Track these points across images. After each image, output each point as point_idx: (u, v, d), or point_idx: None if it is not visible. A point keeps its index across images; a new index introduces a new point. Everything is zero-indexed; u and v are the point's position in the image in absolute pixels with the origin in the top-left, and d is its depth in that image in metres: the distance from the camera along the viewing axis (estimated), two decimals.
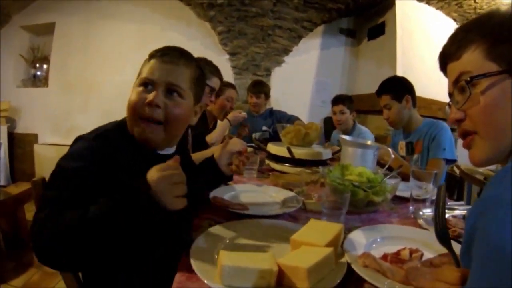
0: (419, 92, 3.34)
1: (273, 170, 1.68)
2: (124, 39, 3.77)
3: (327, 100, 4.05)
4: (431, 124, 1.81)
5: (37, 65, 4.11)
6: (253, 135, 2.92)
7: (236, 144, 1.39)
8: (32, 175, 3.74)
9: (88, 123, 3.70)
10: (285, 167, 1.61)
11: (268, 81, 3.80)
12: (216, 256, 0.68)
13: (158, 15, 3.72)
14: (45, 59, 4.08)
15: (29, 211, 2.75)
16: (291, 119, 2.86)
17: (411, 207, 1.15)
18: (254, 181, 1.46)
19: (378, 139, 3.02)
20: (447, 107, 0.64)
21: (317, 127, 1.80)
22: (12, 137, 3.89)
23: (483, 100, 0.53)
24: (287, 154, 1.58)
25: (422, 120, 1.87)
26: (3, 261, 2.23)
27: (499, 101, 0.52)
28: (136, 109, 0.78)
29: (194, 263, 0.63)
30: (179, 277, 0.64)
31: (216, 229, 0.82)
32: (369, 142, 1.45)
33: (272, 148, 1.70)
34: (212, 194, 1.08)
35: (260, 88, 2.93)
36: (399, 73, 3.40)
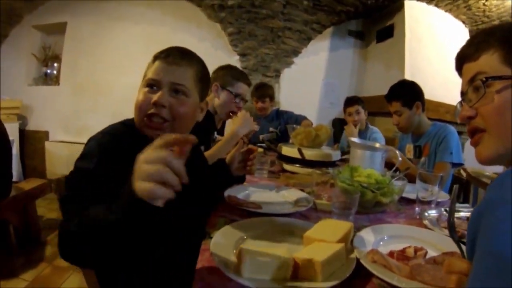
0: (427, 94, 3.34)
1: (284, 170, 1.74)
2: (134, 41, 3.82)
3: (335, 101, 4.10)
4: (438, 128, 1.84)
5: (49, 64, 4.18)
6: (261, 137, 2.97)
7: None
8: (43, 171, 3.84)
9: (97, 123, 3.75)
10: (296, 168, 1.66)
11: (278, 82, 3.85)
12: (234, 251, 0.73)
13: (168, 16, 3.77)
14: (56, 58, 4.14)
15: (40, 206, 2.83)
16: (299, 119, 2.90)
17: (417, 208, 1.19)
18: (266, 181, 1.51)
19: (386, 141, 3.05)
20: (458, 105, 0.68)
21: (327, 129, 1.84)
22: (24, 134, 3.96)
23: (496, 100, 0.56)
24: (297, 155, 1.63)
25: (430, 124, 1.90)
26: (14, 256, 2.27)
27: (510, 103, 0.55)
28: (143, 109, 0.82)
29: (215, 258, 0.68)
30: (200, 271, 0.69)
31: (233, 226, 0.87)
32: (377, 145, 1.49)
33: (283, 149, 1.76)
34: (227, 193, 1.13)
35: (264, 91, 2.96)
36: (407, 75, 3.42)
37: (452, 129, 1.79)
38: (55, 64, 4.18)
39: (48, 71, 4.20)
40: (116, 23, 3.86)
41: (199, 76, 0.89)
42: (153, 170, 0.49)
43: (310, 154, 1.63)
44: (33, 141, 4.00)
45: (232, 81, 1.70)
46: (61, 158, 3.77)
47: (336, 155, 1.71)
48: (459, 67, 0.67)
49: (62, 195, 0.72)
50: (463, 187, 2.03)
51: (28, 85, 4.09)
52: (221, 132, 2.53)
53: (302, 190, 1.29)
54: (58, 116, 3.98)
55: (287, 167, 1.70)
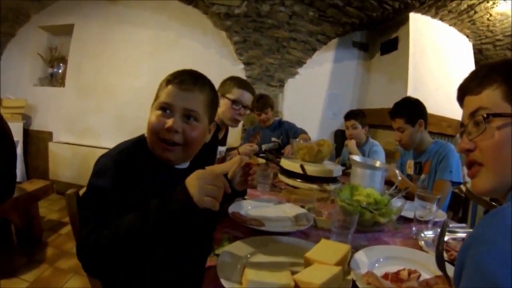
0: (429, 109, 3.37)
1: (285, 184, 1.77)
2: (140, 45, 3.86)
3: (338, 113, 4.13)
4: (440, 146, 1.87)
5: (54, 65, 4.21)
6: (263, 147, 3.01)
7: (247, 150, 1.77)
8: (45, 171, 3.87)
9: (101, 125, 3.89)
10: (297, 183, 1.69)
11: (281, 92, 3.88)
12: (239, 267, 0.77)
13: (175, 22, 3.80)
14: (62, 59, 4.18)
15: (42, 207, 2.86)
16: (298, 132, 2.94)
17: (414, 228, 1.22)
18: (268, 195, 1.54)
19: (387, 154, 3.08)
20: (458, 135, 0.70)
21: (329, 144, 1.88)
22: (28, 134, 3.99)
23: (496, 136, 0.58)
24: (299, 170, 1.66)
25: (432, 141, 1.93)
26: (15, 256, 2.29)
27: (509, 140, 0.57)
28: (156, 132, 0.87)
29: (222, 279, 0.71)
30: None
31: (238, 245, 0.90)
32: (377, 164, 1.52)
33: (286, 163, 1.79)
34: (230, 209, 1.16)
35: (265, 102, 3.01)
36: (410, 89, 3.45)
37: (453, 148, 1.82)
38: (61, 65, 4.21)
39: (54, 72, 4.23)
40: (122, 26, 3.90)
41: (209, 101, 0.95)
42: (215, 191, 0.72)
43: (312, 169, 1.66)
44: (36, 141, 4.03)
45: (230, 88, 1.74)
46: (64, 159, 3.80)
47: (337, 170, 1.74)
48: (461, 98, 0.69)
49: (82, 215, 0.79)
50: (462, 204, 2.06)
51: (33, 85, 4.12)
52: (223, 142, 2.56)
53: (303, 206, 1.32)
54: (62, 117, 4.01)
55: (289, 181, 1.73)
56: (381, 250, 0.97)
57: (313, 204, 1.35)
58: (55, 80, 4.23)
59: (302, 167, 1.64)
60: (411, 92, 3.43)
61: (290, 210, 1.29)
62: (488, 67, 0.64)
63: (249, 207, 1.26)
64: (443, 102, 3.55)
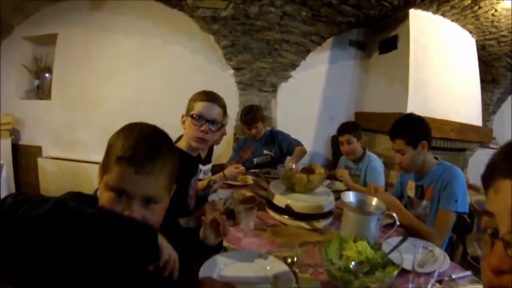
0: (431, 111, 3.23)
1: (272, 218, 1.60)
2: (126, 53, 3.69)
3: (334, 117, 3.95)
4: (444, 169, 1.67)
5: (40, 76, 4.07)
6: (255, 160, 2.84)
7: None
8: (36, 186, 3.78)
9: (89, 138, 3.76)
10: (285, 219, 1.52)
11: (274, 97, 3.70)
12: None
13: (161, 28, 3.62)
14: (49, 70, 4.02)
15: None
16: (293, 144, 2.75)
17: (410, 285, 1.06)
18: (250, 238, 1.39)
19: (387, 163, 2.91)
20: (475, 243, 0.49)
21: (320, 172, 1.70)
22: (17, 149, 3.89)
23: None
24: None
25: (435, 163, 1.73)
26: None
27: None
28: None
29: None
30: None
31: None
32: (373, 206, 1.34)
33: (272, 194, 1.62)
34: (201, 273, 1.01)
35: (253, 117, 2.78)
36: (411, 91, 3.27)
37: (459, 172, 1.62)
38: (47, 75, 4.05)
39: (40, 83, 4.08)
40: (107, 34, 3.72)
41: (170, 173, 0.80)
42: None
43: (299, 206, 1.48)
44: (26, 156, 3.92)
45: (193, 104, 1.45)
46: (54, 175, 3.72)
47: (329, 204, 1.56)
48: (489, 179, 0.48)
49: None
50: (467, 228, 1.89)
51: (20, 98, 3.99)
52: (207, 160, 2.40)
53: (286, 261, 1.16)
54: (50, 130, 3.89)
55: (276, 216, 1.56)
56: None
57: (296, 251, 1.20)
58: (42, 92, 4.09)
59: (287, 208, 1.47)
60: (412, 94, 3.25)
61: (270, 266, 1.13)
62: None
63: (222, 266, 1.10)
64: (446, 104, 3.38)
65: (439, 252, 1.32)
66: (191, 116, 1.43)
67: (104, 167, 0.77)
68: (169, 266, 0.72)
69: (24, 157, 3.93)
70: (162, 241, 0.71)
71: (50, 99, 3.94)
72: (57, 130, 3.88)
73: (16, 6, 3.55)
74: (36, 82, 4.11)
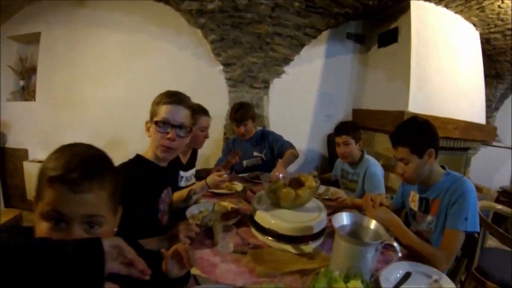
0: (434, 109, 3.02)
1: (255, 238, 1.41)
2: (112, 50, 3.50)
3: (331, 114, 3.74)
4: (453, 181, 1.45)
5: (25, 76, 3.92)
6: (244, 163, 2.66)
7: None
8: (24, 189, 3.70)
9: (77, 140, 3.54)
10: (269, 241, 1.32)
11: (266, 94, 3.49)
12: None
13: (146, 23, 3.42)
14: (34, 70, 3.86)
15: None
16: (285, 146, 2.56)
17: None
18: (228, 261, 1.20)
19: (387, 166, 2.71)
20: None
21: (310, 185, 1.50)
22: (4, 152, 3.80)
23: None
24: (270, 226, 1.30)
25: (442, 174, 1.50)
26: None
27: None
28: None
29: None
30: None
31: None
32: (371, 230, 1.12)
33: (254, 210, 1.42)
34: None
35: (244, 114, 2.57)
36: (413, 87, 3.06)
37: (471, 186, 1.40)
38: (33, 76, 3.90)
39: (25, 83, 3.94)
40: (92, 31, 3.53)
41: (112, 190, 0.72)
42: None
43: (285, 227, 1.28)
44: (13, 159, 3.82)
45: (156, 109, 1.28)
46: None
47: (319, 223, 1.36)
48: None
49: None
50: (475, 244, 1.70)
51: (6, 100, 3.84)
52: (191, 165, 2.22)
53: None
54: (36, 133, 3.75)
55: (259, 236, 1.36)
56: None
57: (277, 285, 1.03)
58: (27, 92, 3.95)
59: (270, 231, 1.29)
60: (413, 90, 3.04)
61: None
62: None
63: None
64: (449, 101, 3.17)
65: (445, 281, 1.14)
66: (155, 122, 1.27)
67: (37, 196, 0.68)
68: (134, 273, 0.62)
69: (11, 160, 3.83)
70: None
71: (34, 100, 3.79)
72: (43, 132, 3.73)
73: None
74: (22, 83, 3.96)
